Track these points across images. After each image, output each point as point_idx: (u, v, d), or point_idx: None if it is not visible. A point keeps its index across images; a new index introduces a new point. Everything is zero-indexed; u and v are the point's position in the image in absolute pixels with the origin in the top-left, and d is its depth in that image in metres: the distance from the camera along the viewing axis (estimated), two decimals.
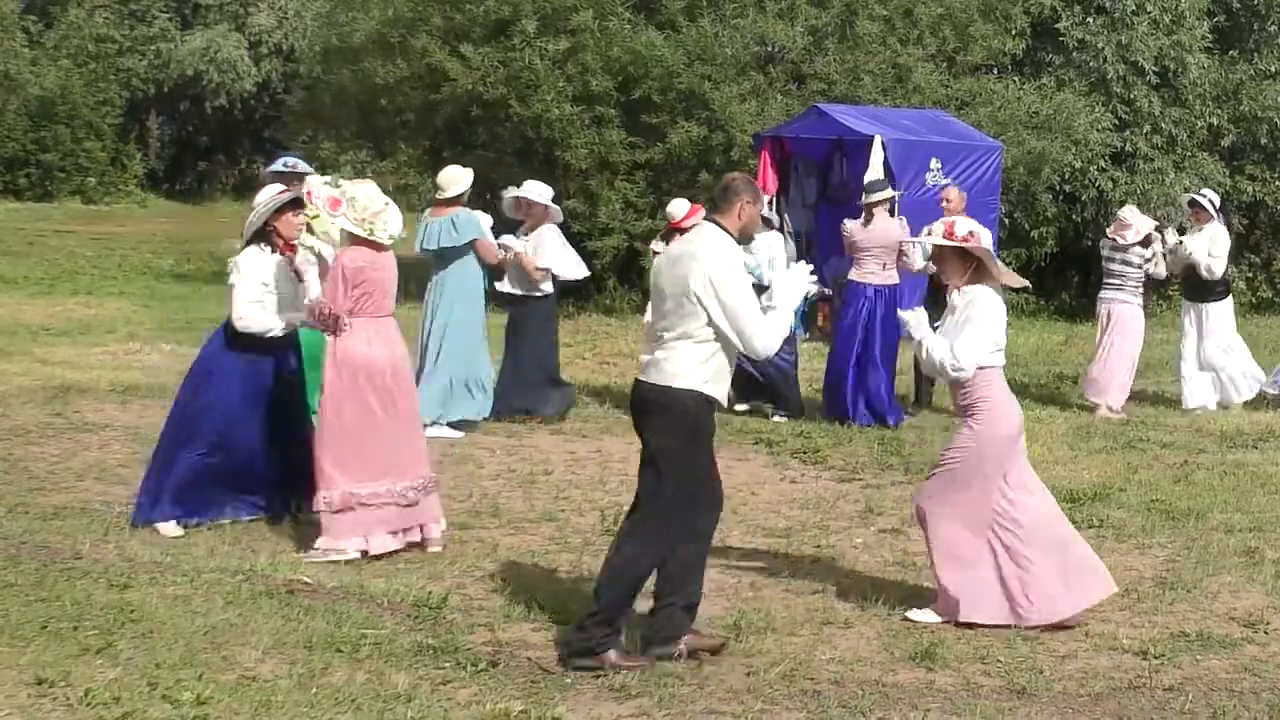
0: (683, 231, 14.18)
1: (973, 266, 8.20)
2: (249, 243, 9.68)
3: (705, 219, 7.67)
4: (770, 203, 20.61)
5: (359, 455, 9.23)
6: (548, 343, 14.00)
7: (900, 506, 10.94)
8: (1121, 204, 19.81)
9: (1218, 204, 15.86)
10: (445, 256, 13.27)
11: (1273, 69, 25.61)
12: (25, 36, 45.07)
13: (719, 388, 7.46)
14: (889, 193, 14.86)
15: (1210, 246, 15.42)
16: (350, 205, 9.32)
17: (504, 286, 13.82)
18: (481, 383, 13.39)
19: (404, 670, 7.11)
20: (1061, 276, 25.50)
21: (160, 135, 50.83)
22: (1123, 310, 15.26)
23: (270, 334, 9.67)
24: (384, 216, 9.36)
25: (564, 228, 14.28)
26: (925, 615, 8.27)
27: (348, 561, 9.04)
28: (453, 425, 13.17)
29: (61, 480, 10.93)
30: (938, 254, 8.44)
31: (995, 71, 24.92)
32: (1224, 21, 25.83)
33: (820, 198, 21.38)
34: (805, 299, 15.42)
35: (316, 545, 9.22)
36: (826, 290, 15.83)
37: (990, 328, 8.12)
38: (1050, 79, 24.67)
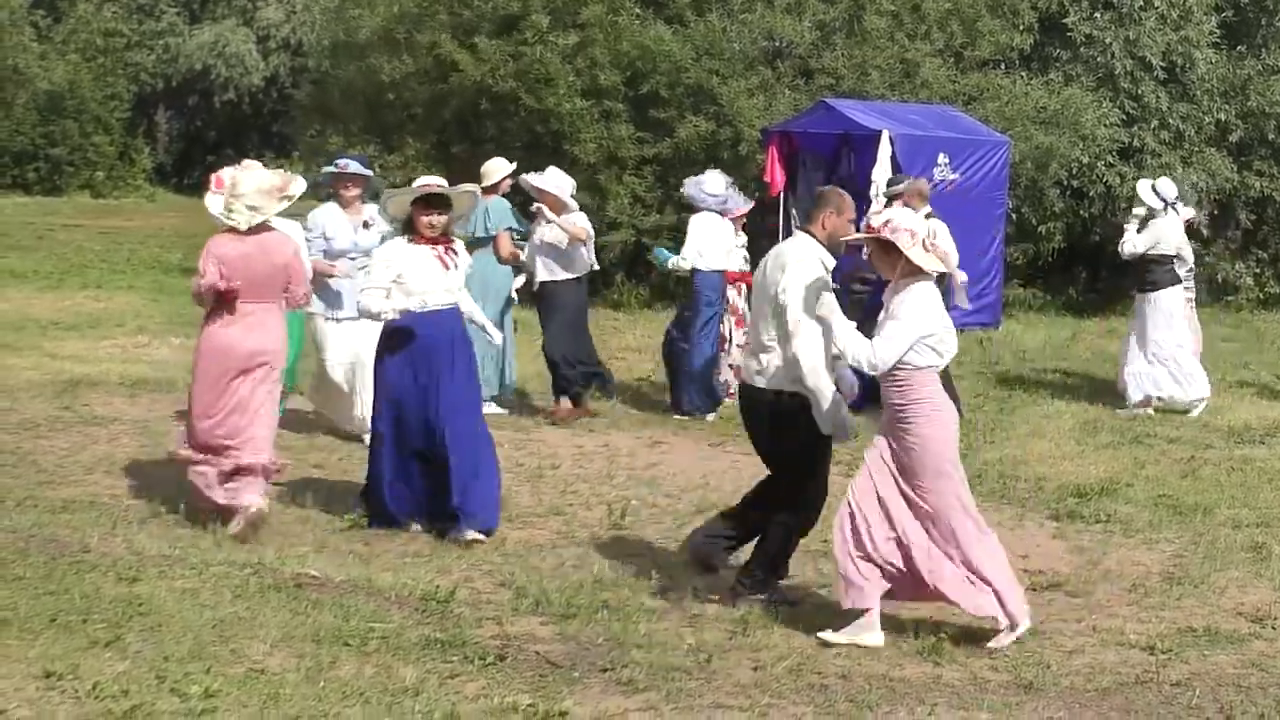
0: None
1: (903, 259, 7.80)
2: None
3: (798, 228, 8.34)
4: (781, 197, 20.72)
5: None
6: (573, 324, 13.92)
7: None
8: (1129, 200, 19.76)
9: (1169, 196, 15.52)
10: (480, 243, 13.46)
11: None
12: (34, 31, 45.15)
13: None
14: (906, 185, 14.91)
15: (1141, 230, 15.30)
16: (231, 186, 9.65)
17: (547, 275, 13.66)
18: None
19: (412, 664, 7.12)
20: (1069, 272, 25.47)
21: (168, 129, 50.91)
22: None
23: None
24: (245, 201, 9.53)
25: None
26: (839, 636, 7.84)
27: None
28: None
29: (70, 474, 10.95)
30: (870, 249, 8.13)
31: (1003, 67, 24.88)
32: (1232, 17, 25.77)
33: None
34: None
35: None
36: (834, 286, 15.79)
37: (915, 323, 7.72)
38: (1058, 74, 24.64)
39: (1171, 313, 15.03)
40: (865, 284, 14.32)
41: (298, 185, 9.90)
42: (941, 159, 20.30)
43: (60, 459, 11.40)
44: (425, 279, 9.62)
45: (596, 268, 14.16)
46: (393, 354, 9.74)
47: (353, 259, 11.96)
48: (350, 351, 12.11)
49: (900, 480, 7.86)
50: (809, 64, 23.33)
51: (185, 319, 18.75)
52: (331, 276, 12.03)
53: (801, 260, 7.92)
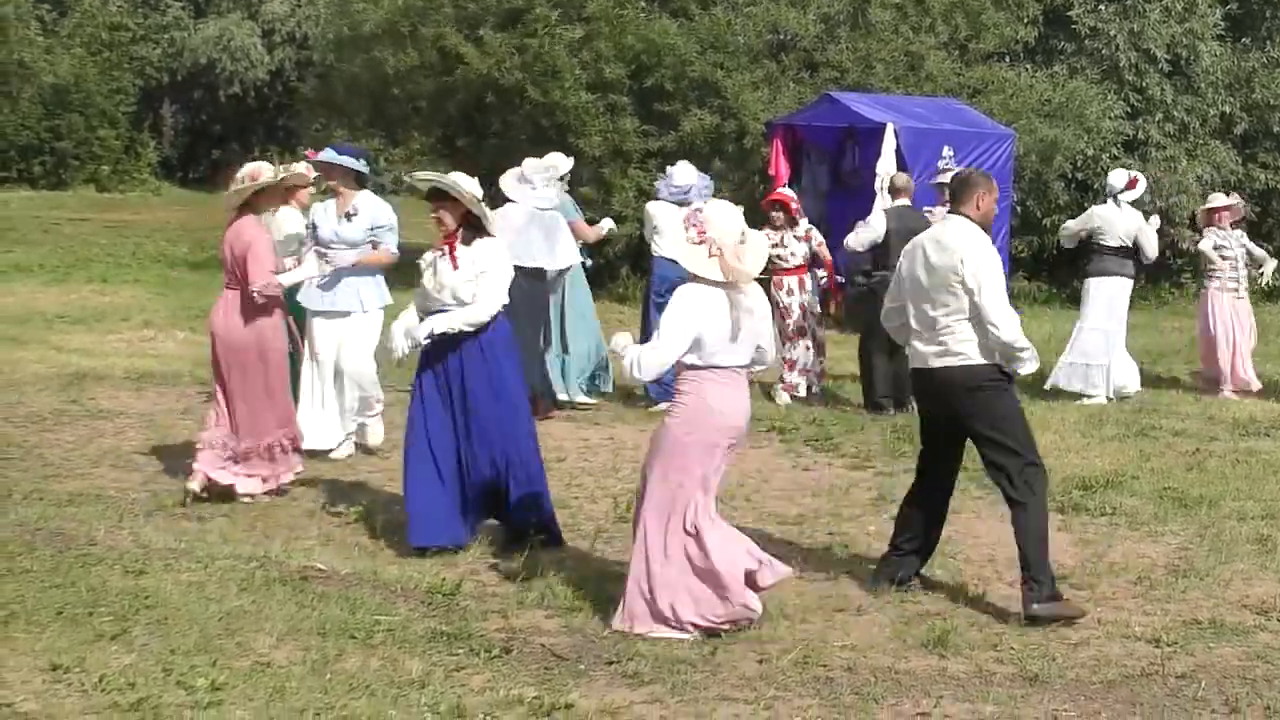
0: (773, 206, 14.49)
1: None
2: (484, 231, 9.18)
3: (950, 212, 8.41)
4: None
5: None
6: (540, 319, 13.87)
7: None
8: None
9: (1118, 185, 15.51)
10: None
11: None
12: (39, 25, 45.16)
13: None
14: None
15: (1085, 221, 15.45)
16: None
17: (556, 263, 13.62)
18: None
19: (418, 657, 7.13)
20: (1074, 265, 25.38)
21: (174, 123, 50.91)
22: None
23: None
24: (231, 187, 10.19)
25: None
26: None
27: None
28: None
29: (77, 467, 10.97)
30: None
31: (1007, 59, 24.88)
32: (1236, 9, 25.78)
33: (833, 185, 21.37)
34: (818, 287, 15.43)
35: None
36: (839, 278, 15.83)
37: (680, 326, 7.55)
38: (1062, 67, 24.64)
39: (1111, 299, 15.20)
40: (868, 277, 14.36)
41: (266, 174, 10.34)
42: (946, 152, 20.29)
43: (66, 452, 11.42)
44: (440, 276, 9.02)
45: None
46: (421, 370, 9.21)
47: (332, 248, 11.30)
48: (332, 348, 11.50)
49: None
50: (814, 57, 23.34)
51: (191, 313, 18.80)
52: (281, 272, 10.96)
53: (975, 241, 8.11)
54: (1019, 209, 22.94)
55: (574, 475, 11.36)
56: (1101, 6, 24.60)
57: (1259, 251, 16.57)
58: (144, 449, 11.63)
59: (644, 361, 7.62)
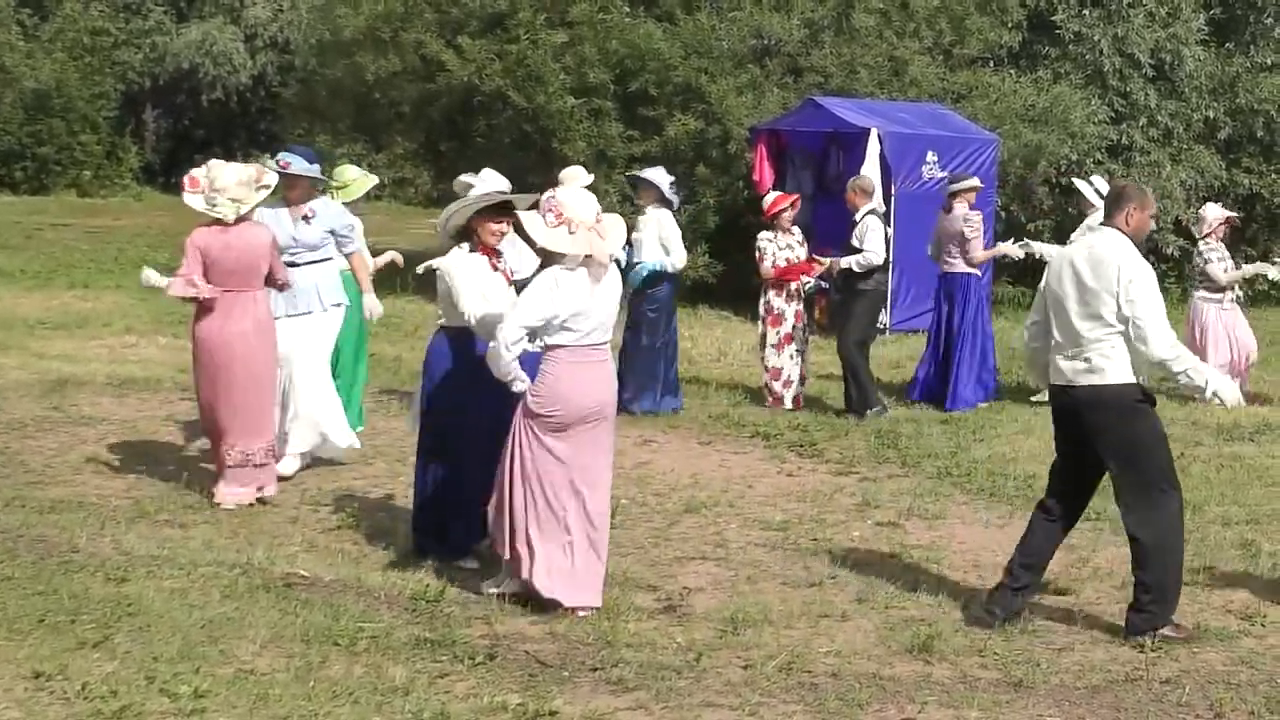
0: (773, 224, 14.42)
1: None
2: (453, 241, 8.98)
3: (1102, 224, 8.12)
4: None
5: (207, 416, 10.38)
6: None
7: (897, 499, 10.95)
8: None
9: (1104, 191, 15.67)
10: None
11: (1269, 61, 25.60)
12: (20, 29, 45.04)
13: (1140, 375, 7.94)
14: (971, 183, 15.09)
15: (1081, 232, 15.47)
16: (207, 182, 10.13)
17: None
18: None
19: (401, 663, 7.11)
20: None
21: (156, 128, 50.78)
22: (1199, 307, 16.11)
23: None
24: (227, 194, 10.03)
25: None
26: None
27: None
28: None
29: (58, 474, 10.93)
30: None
31: (991, 64, 24.90)
32: (1220, 14, 25.84)
33: (817, 190, 21.37)
34: (804, 291, 15.44)
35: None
36: (824, 284, 15.84)
37: (529, 303, 7.92)
38: (1046, 72, 24.67)
39: None
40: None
41: (271, 176, 10.35)
42: (930, 157, 20.34)
43: (48, 459, 11.38)
44: (496, 293, 8.81)
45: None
46: (457, 371, 8.95)
47: (294, 253, 11.08)
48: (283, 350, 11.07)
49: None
50: (798, 62, 23.34)
51: (173, 319, 18.73)
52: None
53: (1130, 255, 7.87)
54: (1003, 214, 22.94)
55: None
56: (1085, 11, 24.64)
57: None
58: (126, 455, 11.59)
59: (500, 331, 7.95)
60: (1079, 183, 16.02)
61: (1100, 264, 7.88)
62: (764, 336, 14.67)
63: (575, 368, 8.03)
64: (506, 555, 8.20)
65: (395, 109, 25.06)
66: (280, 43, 47.23)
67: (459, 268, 8.83)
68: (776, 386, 14.60)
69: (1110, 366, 7.81)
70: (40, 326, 18.25)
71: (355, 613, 7.86)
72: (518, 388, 8.05)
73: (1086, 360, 7.89)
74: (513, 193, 9.29)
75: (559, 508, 8.07)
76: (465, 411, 8.81)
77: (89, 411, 13.22)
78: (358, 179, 12.41)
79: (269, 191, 10.26)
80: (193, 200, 10.17)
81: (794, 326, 14.59)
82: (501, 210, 8.92)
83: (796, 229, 14.90)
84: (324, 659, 7.09)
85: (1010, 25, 24.46)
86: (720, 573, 8.97)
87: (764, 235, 14.64)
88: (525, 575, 8.10)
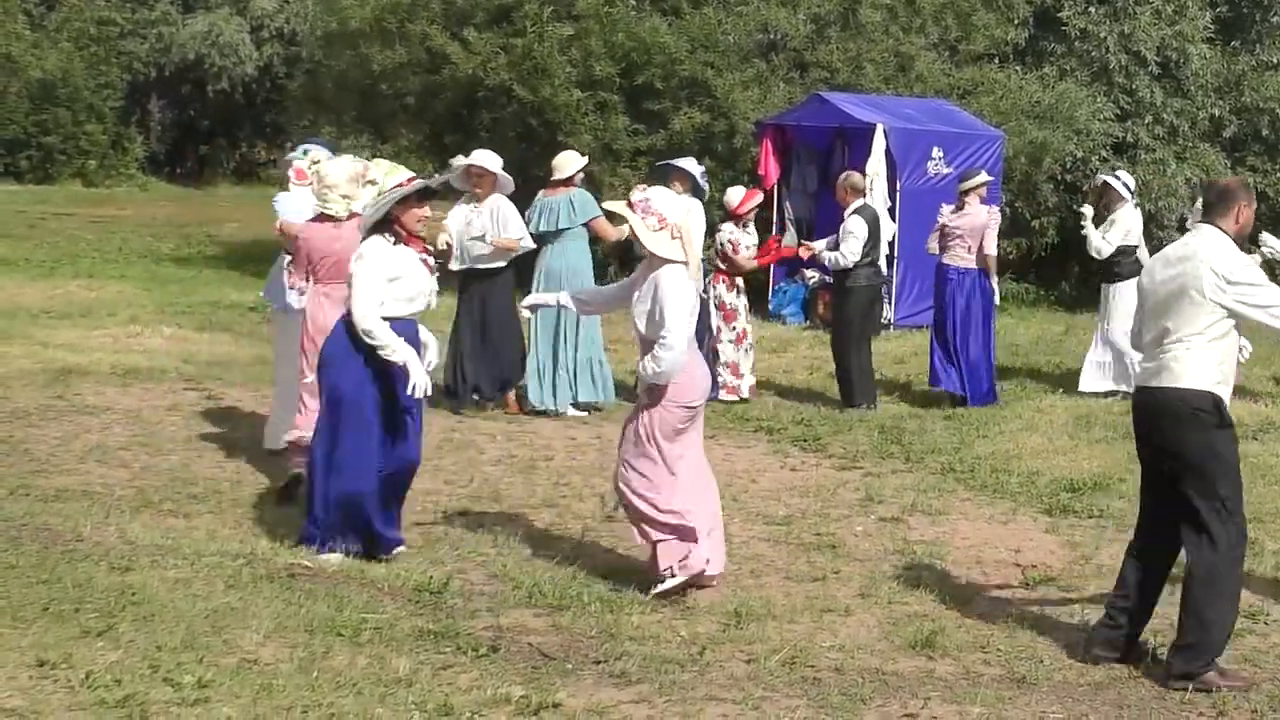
0: (740, 219, 14.36)
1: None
2: (370, 232, 8.83)
3: (1202, 221, 7.67)
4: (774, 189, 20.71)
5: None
6: (513, 313, 13.75)
7: (901, 495, 10.96)
8: (1083, 195, 19.78)
9: (1131, 186, 15.71)
10: (562, 236, 13.48)
11: (1275, 60, 25.54)
12: (26, 19, 45.04)
13: (1226, 390, 7.51)
14: (984, 178, 15.08)
15: (1108, 227, 15.43)
16: (315, 177, 10.28)
17: (460, 265, 13.56)
18: (602, 363, 14.03)
19: (405, 655, 7.11)
20: (1062, 267, 25.46)
21: (161, 119, 50.74)
22: None
23: (371, 338, 8.63)
24: (339, 190, 10.10)
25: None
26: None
27: None
28: (577, 407, 13.79)
29: (63, 463, 10.93)
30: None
31: (997, 61, 24.86)
32: (1226, 12, 25.80)
33: (821, 186, 21.36)
34: (806, 287, 15.53)
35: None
36: (828, 279, 15.83)
37: (681, 312, 8.29)
38: (1052, 68, 24.64)
39: (1130, 300, 15.24)
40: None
41: (375, 171, 10.29)
42: (935, 153, 20.33)
43: (52, 448, 11.38)
44: (419, 282, 8.84)
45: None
46: (366, 366, 8.71)
47: None
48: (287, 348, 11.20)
49: None
50: (804, 57, 23.32)
51: (177, 308, 18.80)
52: None
53: (1225, 251, 7.44)
54: (1008, 211, 22.90)
55: (562, 474, 11.35)
56: (1091, 8, 24.60)
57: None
58: (130, 445, 11.60)
59: (667, 365, 8.25)
60: (1107, 178, 15.97)
61: (1188, 262, 7.46)
62: (719, 331, 14.58)
63: (695, 356, 8.56)
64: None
65: (400, 101, 25.04)
66: (286, 34, 47.18)
67: (371, 263, 8.67)
68: (733, 381, 14.56)
69: (1186, 370, 7.38)
70: (45, 316, 18.25)
71: (359, 604, 7.86)
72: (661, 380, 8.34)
73: (1163, 362, 7.48)
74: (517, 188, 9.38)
75: (699, 488, 8.56)
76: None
77: (93, 401, 13.22)
78: (388, 171, 12.43)
79: (374, 186, 10.12)
80: (296, 194, 10.66)
81: (747, 321, 14.64)
82: (424, 196, 8.93)
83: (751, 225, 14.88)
84: (327, 650, 7.09)
85: (1016, 22, 24.44)
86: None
87: (729, 227, 14.58)
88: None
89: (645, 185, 14.12)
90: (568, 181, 13.94)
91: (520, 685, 6.80)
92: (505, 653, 7.29)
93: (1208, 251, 7.41)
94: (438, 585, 8.26)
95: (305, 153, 11.28)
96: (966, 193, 14.84)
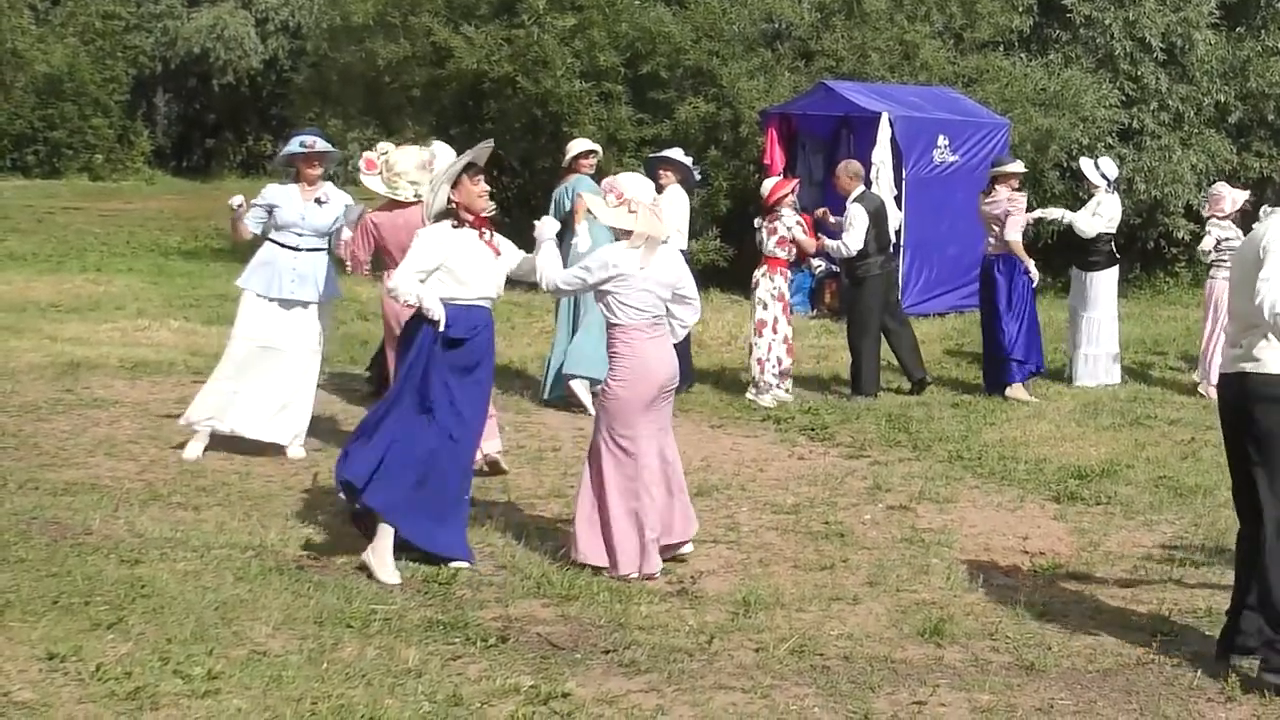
0: (771, 210, 14.10)
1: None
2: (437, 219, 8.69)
3: (1273, 207, 7.48)
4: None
5: None
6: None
7: (909, 483, 10.96)
8: (1129, 181, 19.76)
9: (1111, 175, 15.65)
10: (568, 222, 13.52)
11: None
12: (32, 13, 45.11)
13: None
14: (1016, 168, 14.98)
15: (1095, 207, 15.43)
16: (384, 165, 10.79)
17: None
18: None
19: (414, 645, 7.13)
20: (1067, 255, 25.44)
21: (167, 112, 50.86)
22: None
23: (392, 294, 8.73)
24: (407, 177, 10.69)
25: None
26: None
27: None
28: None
29: (72, 456, 10.95)
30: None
31: (1002, 48, 24.84)
32: None
33: (827, 175, 21.33)
34: (812, 276, 15.49)
35: None
36: (834, 268, 15.81)
37: (589, 260, 8.73)
38: (1057, 56, 24.62)
39: (1111, 291, 15.30)
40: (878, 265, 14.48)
41: (438, 159, 10.92)
42: (941, 141, 20.31)
43: (61, 441, 11.40)
44: (475, 265, 8.62)
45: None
46: (436, 351, 8.55)
47: (299, 235, 11.11)
48: (263, 333, 11.13)
49: None
50: (809, 46, 23.31)
51: (185, 302, 18.81)
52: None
53: None
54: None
55: (569, 465, 11.34)
56: None
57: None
58: (138, 438, 11.62)
59: (549, 275, 8.72)
60: (1083, 162, 16.00)
61: (1251, 243, 7.27)
62: (775, 323, 14.03)
63: (646, 344, 8.66)
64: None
65: (406, 94, 25.05)
66: (291, 27, 47.22)
67: (422, 242, 8.59)
68: (765, 376, 14.24)
69: (1264, 354, 7.12)
70: (53, 310, 18.27)
71: (368, 595, 7.88)
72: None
73: (1242, 346, 7.24)
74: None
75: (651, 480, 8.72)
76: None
77: (102, 394, 13.24)
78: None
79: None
80: (371, 182, 10.94)
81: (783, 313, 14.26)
82: (473, 171, 8.68)
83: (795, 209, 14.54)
84: (337, 641, 7.11)
85: (1021, 9, 24.42)
86: (732, 555, 8.98)
87: (788, 213, 14.04)
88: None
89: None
90: (571, 169, 13.99)
91: (529, 675, 6.82)
92: (514, 643, 7.30)
93: (1273, 234, 7.10)
94: (446, 576, 8.28)
95: (302, 144, 11.25)
96: (996, 179, 14.69)
